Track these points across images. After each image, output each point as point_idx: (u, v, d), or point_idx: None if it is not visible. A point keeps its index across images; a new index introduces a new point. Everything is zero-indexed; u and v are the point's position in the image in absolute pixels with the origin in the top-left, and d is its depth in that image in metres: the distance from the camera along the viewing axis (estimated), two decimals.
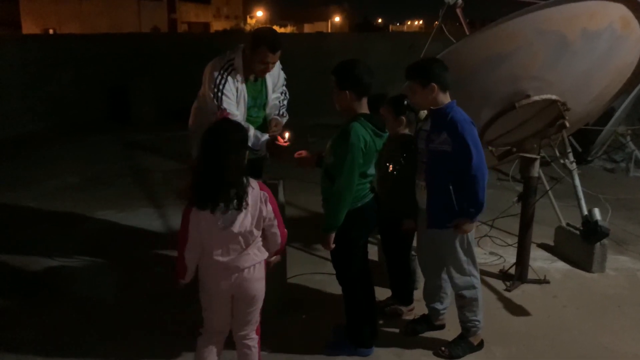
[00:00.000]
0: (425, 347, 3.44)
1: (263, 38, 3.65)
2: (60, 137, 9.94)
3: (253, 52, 3.65)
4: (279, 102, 4.06)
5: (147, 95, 11.58)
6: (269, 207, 2.67)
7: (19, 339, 3.52)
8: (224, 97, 3.68)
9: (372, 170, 3.15)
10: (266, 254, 2.76)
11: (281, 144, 3.63)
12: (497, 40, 3.61)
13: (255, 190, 2.62)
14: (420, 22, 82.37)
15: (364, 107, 3.08)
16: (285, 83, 4.12)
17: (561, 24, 3.54)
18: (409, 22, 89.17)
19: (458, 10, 5.12)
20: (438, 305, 3.54)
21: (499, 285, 4.24)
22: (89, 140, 9.78)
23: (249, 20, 53.73)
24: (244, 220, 2.57)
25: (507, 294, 4.10)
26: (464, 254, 3.24)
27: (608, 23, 3.62)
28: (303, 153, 3.49)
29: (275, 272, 3.68)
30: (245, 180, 2.56)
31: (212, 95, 3.65)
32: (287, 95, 4.16)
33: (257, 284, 2.72)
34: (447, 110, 3.10)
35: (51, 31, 33.28)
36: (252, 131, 3.68)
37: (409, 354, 3.38)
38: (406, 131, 3.53)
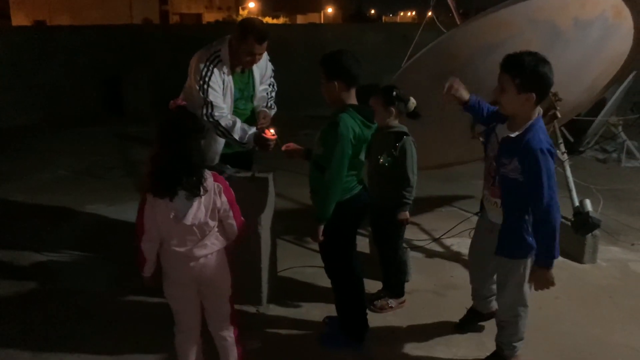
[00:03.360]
0: (417, 339, 3.44)
1: (250, 28, 3.59)
2: (52, 129, 9.87)
3: (240, 43, 3.60)
4: (267, 93, 4.01)
5: (140, 86, 11.50)
6: (224, 198, 2.66)
7: (8, 334, 3.48)
8: (210, 90, 3.62)
9: (361, 162, 3.12)
10: (225, 242, 2.75)
11: (268, 137, 3.59)
12: (488, 29, 3.59)
13: (209, 181, 2.59)
14: (413, 13, 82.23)
15: (352, 98, 3.04)
16: (273, 74, 4.07)
17: (553, 13, 3.53)
18: (402, 13, 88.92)
19: (449, 0, 5.09)
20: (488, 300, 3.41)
21: None
22: (80, 132, 9.72)
23: (241, 11, 53.39)
24: (197, 212, 2.57)
25: None
26: (525, 287, 2.95)
27: (600, 12, 3.61)
28: (291, 145, 3.46)
29: (266, 266, 3.68)
30: (203, 169, 2.56)
31: (197, 88, 3.59)
32: (275, 87, 4.11)
33: (219, 270, 2.73)
34: (524, 132, 2.63)
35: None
36: (239, 124, 3.63)
37: (400, 346, 3.37)
38: (396, 122, 3.51)
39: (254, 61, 3.69)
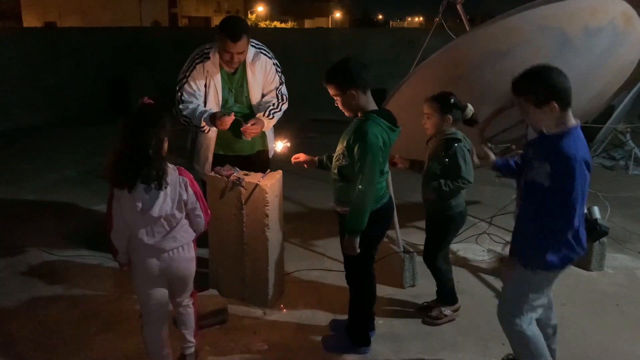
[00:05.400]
0: (422, 344, 3.44)
1: (223, 26, 3.63)
2: (60, 130, 9.93)
3: (218, 41, 3.65)
4: (272, 105, 3.96)
5: (148, 88, 11.54)
6: (190, 191, 2.77)
7: (16, 335, 3.50)
8: (186, 85, 3.74)
9: (387, 167, 3.09)
10: (193, 235, 2.87)
11: (228, 118, 3.63)
12: (497, 36, 3.59)
13: (174, 175, 2.72)
14: (421, 18, 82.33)
15: (371, 102, 2.99)
16: (279, 86, 4.03)
17: (562, 20, 3.51)
18: (409, 19, 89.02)
19: (458, 6, 5.08)
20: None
21: (497, 282, 4.23)
22: (88, 133, 9.76)
23: (249, 15, 53.58)
24: (164, 204, 2.67)
25: None
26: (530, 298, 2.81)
27: (610, 19, 3.60)
28: (301, 157, 3.40)
29: (273, 268, 3.70)
30: (163, 163, 2.65)
31: (177, 81, 3.73)
32: (286, 99, 4.04)
33: (187, 264, 2.85)
34: (558, 137, 2.50)
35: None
36: (198, 111, 3.72)
37: (405, 351, 3.37)
38: (452, 129, 3.40)
39: (232, 60, 3.69)
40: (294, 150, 3.56)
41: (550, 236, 2.60)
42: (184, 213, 2.79)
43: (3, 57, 10.21)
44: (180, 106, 3.76)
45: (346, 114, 3.07)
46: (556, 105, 2.44)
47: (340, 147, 3.04)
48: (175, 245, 2.76)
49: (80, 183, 6.77)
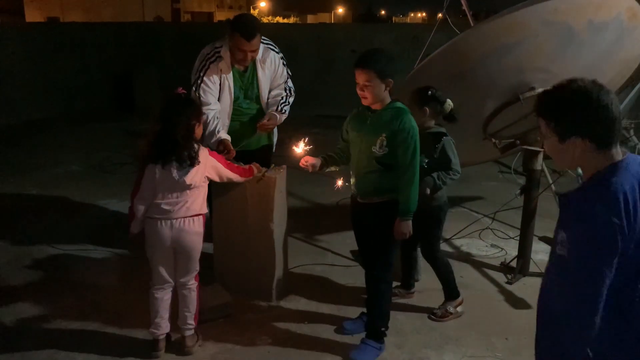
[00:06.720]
0: (426, 338, 3.45)
1: (237, 25, 3.61)
2: (64, 125, 9.94)
3: (230, 40, 3.64)
4: (281, 98, 3.98)
5: (151, 83, 11.56)
6: (219, 166, 3.18)
7: (22, 326, 3.53)
8: (202, 85, 3.72)
9: None
10: (206, 210, 3.17)
11: (229, 149, 3.65)
12: (502, 31, 3.58)
13: (204, 154, 3.06)
14: (423, 14, 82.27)
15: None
16: (288, 79, 4.05)
17: (568, 15, 3.51)
18: (412, 14, 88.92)
19: (463, 1, 5.09)
20: None
21: (500, 277, 4.24)
22: (92, 128, 9.79)
23: (252, 10, 53.48)
24: (195, 176, 3.00)
25: (508, 287, 4.10)
26: None
27: (615, 14, 3.59)
28: (309, 160, 3.34)
29: (277, 262, 3.71)
30: (195, 145, 3.00)
31: (192, 82, 3.70)
32: (293, 92, 4.06)
33: (195, 237, 3.10)
34: (582, 189, 1.74)
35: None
36: (212, 127, 3.67)
37: (409, 345, 3.38)
38: (432, 123, 3.42)
39: (246, 58, 3.69)
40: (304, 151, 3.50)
41: None
42: (207, 184, 3.15)
43: (6, 53, 10.21)
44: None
45: (367, 102, 3.05)
46: (581, 142, 1.75)
47: (374, 138, 3.01)
48: (189, 214, 3.05)
49: (85, 178, 6.78)
